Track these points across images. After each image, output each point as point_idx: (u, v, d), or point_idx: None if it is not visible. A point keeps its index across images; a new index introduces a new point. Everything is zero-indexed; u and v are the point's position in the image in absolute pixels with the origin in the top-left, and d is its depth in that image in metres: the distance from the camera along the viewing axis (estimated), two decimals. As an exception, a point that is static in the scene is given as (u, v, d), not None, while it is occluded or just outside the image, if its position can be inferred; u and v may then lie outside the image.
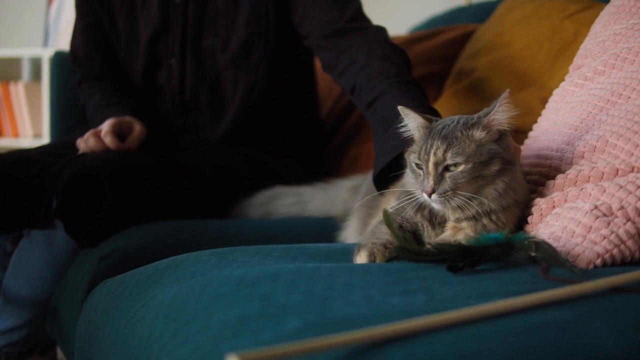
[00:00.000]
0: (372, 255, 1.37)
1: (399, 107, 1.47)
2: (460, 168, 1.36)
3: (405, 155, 1.48)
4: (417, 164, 1.41)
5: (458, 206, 1.38)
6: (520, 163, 1.48)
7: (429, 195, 1.37)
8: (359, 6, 2.15)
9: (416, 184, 1.43)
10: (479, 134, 1.38)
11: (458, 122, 1.40)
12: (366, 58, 1.96)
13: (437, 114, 1.66)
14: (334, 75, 2.06)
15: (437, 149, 1.37)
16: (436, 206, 1.40)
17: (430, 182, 1.37)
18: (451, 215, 1.42)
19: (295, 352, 0.83)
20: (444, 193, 1.36)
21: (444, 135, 1.38)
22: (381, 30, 2.10)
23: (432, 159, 1.37)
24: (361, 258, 1.38)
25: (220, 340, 0.98)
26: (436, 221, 1.45)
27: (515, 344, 0.88)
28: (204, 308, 1.11)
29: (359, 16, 2.13)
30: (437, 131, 1.40)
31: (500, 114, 1.38)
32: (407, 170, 1.48)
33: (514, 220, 1.45)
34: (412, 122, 1.46)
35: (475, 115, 1.41)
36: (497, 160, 1.38)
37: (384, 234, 1.43)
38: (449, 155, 1.36)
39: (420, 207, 1.45)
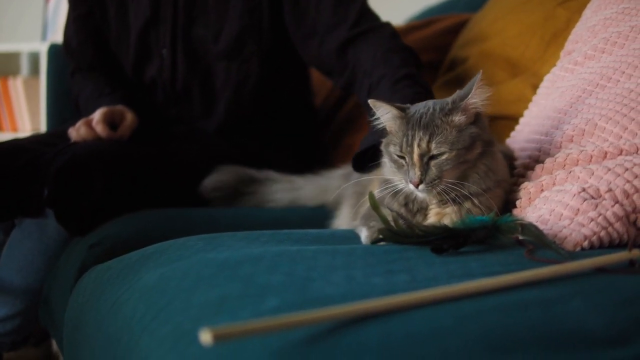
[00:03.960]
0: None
1: (369, 101, 1.44)
2: (445, 156, 1.35)
3: (382, 147, 1.46)
4: (398, 155, 1.39)
5: (444, 191, 1.37)
6: (497, 142, 1.47)
7: (416, 186, 1.36)
8: (362, 3, 2.15)
9: (398, 174, 1.41)
10: (458, 118, 1.37)
11: (434, 109, 1.38)
12: (371, 64, 1.99)
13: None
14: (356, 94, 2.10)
15: (420, 140, 1.35)
16: (421, 195, 1.39)
17: (417, 173, 1.35)
18: (433, 199, 1.41)
19: (269, 328, 0.82)
20: (431, 182, 1.35)
21: (425, 125, 1.36)
22: (384, 30, 2.11)
23: (416, 151, 1.35)
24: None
25: (199, 319, 0.99)
26: (414, 207, 1.44)
27: (493, 320, 0.88)
28: (185, 289, 1.11)
29: (364, 14, 2.13)
30: (415, 120, 1.37)
31: (477, 96, 1.37)
32: (385, 161, 1.46)
33: (498, 202, 1.44)
34: (384, 113, 1.44)
35: (450, 100, 1.39)
36: (478, 143, 1.37)
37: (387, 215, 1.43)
38: (433, 145, 1.35)
39: (396, 193, 1.43)
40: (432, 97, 1.74)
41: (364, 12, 2.14)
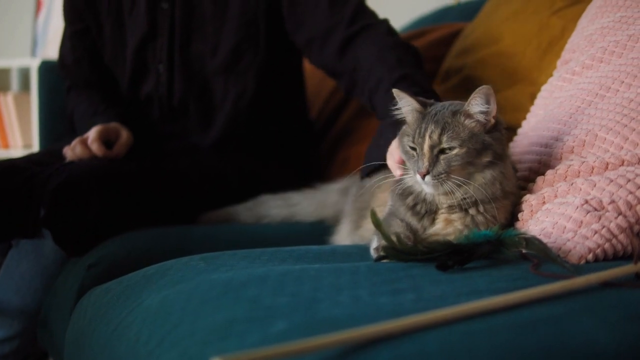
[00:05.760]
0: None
1: (393, 90, 1.46)
2: (455, 151, 1.37)
3: (398, 138, 1.48)
4: (411, 147, 1.41)
5: (450, 190, 1.38)
6: (510, 155, 1.48)
7: (423, 177, 1.37)
8: (357, 2, 2.15)
9: (408, 164, 1.43)
10: (468, 122, 1.39)
11: (447, 108, 1.41)
12: (369, 65, 1.99)
13: (434, 96, 1.68)
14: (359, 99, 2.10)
15: (432, 132, 1.38)
16: (428, 189, 1.40)
17: (425, 164, 1.37)
18: (444, 201, 1.42)
19: (280, 354, 0.82)
20: (438, 175, 1.37)
21: (437, 120, 1.38)
22: (380, 27, 2.10)
23: (427, 142, 1.38)
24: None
25: (206, 344, 0.97)
26: (422, 209, 1.45)
27: (506, 340, 0.87)
28: (190, 312, 1.10)
29: (359, 13, 2.12)
30: (430, 116, 1.40)
31: (472, 106, 1.38)
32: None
33: (506, 214, 1.44)
34: (406, 105, 1.46)
35: (461, 103, 1.42)
36: (489, 152, 1.38)
37: (398, 226, 1.44)
38: (444, 138, 1.37)
39: (405, 196, 1.45)
40: (430, 96, 1.74)
41: (359, 11, 2.14)
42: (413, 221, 1.45)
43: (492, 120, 1.40)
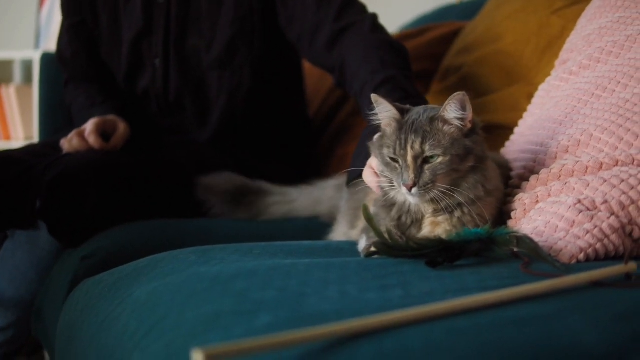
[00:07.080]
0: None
1: (372, 96, 1.44)
2: (439, 160, 1.35)
3: (376, 149, 1.45)
4: (392, 158, 1.39)
5: (436, 198, 1.36)
6: (490, 156, 1.47)
7: (410, 189, 1.35)
8: None
9: (390, 176, 1.41)
10: (446, 128, 1.37)
11: (423, 115, 1.39)
12: (354, 66, 1.97)
13: (419, 99, 1.66)
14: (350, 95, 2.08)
15: (413, 142, 1.35)
16: (414, 200, 1.38)
17: (410, 176, 1.35)
18: (429, 208, 1.41)
19: (262, 347, 0.81)
20: (425, 185, 1.35)
21: (416, 130, 1.36)
22: (365, 24, 2.07)
23: (410, 153, 1.35)
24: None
25: (192, 336, 0.98)
26: (407, 220, 1.44)
27: (491, 338, 0.87)
28: (178, 305, 1.10)
29: (346, 8, 2.11)
30: (408, 125, 1.38)
31: (447, 112, 1.37)
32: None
33: (492, 211, 1.43)
34: (384, 111, 1.44)
35: (437, 108, 1.40)
36: (471, 156, 1.37)
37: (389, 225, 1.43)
38: (426, 147, 1.35)
39: (387, 204, 1.44)
40: (414, 99, 1.72)
41: (346, 6, 2.11)
42: (399, 232, 1.43)
43: (469, 125, 1.38)
